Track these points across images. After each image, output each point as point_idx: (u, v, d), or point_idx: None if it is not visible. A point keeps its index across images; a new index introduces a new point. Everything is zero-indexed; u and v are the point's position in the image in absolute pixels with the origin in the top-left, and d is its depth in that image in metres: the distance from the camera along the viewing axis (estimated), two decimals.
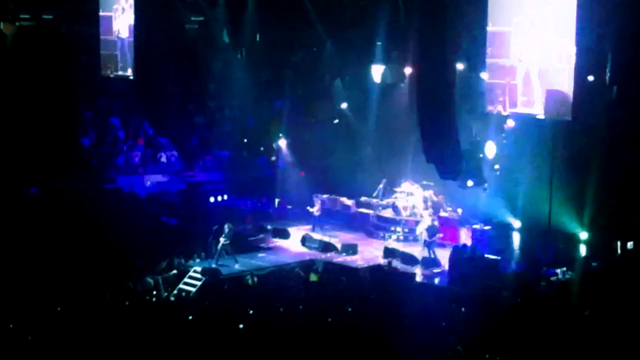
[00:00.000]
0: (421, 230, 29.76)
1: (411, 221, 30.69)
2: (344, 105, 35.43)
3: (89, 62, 38.11)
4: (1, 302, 21.81)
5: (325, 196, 33.72)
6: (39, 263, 25.69)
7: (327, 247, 29.89)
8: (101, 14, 36.62)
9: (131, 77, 34.76)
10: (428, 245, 28.55)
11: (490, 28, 26.99)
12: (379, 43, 32.63)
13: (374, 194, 32.50)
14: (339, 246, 29.90)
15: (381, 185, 32.37)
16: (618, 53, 26.30)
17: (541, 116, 26.13)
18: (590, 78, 26.59)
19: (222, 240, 27.84)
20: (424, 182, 31.46)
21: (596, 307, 22.63)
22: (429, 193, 31.26)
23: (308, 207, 32.67)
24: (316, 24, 34.03)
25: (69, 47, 38.42)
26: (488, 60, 26.77)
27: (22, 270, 25.00)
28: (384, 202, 32.00)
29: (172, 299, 25.41)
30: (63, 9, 38.55)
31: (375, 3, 31.70)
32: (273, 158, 38.07)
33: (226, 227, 27.95)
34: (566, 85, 25.00)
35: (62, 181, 33.23)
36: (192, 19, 36.67)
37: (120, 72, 35.61)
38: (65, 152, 35.34)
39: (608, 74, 26.52)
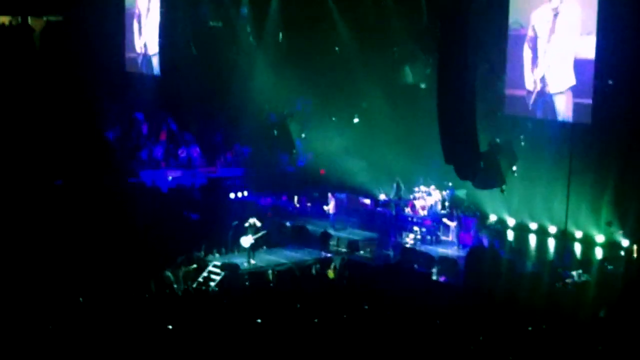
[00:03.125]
0: (453, 229, 29.95)
1: (429, 221, 30.86)
2: (365, 105, 35.68)
3: (115, 57, 38.57)
4: (22, 293, 22.18)
5: (343, 195, 33.97)
6: (62, 255, 26.06)
7: (344, 244, 30.14)
8: (127, 11, 37.18)
9: (157, 74, 35.28)
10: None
11: (511, 31, 27.28)
12: (400, 44, 32.90)
13: (390, 194, 32.74)
14: (356, 244, 30.15)
15: (394, 184, 32.57)
16: (638, 55, 26.37)
17: (560, 118, 26.37)
18: (610, 81, 26.72)
19: (250, 235, 28.07)
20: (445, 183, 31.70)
21: (612, 309, 22.79)
22: (446, 193, 31.44)
23: (324, 206, 32.93)
24: (339, 23, 34.28)
25: (95, 42, 38.83)
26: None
27: (45, 262, 25.36)
28: (400, 200, 32.16)
29: (192, 292, 25.70)
30: (89, 4, 38.99)
31: (398, 4, 31.91)
32: (294, 155, 38.31)
33: (251, 221, 28.18)
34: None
35: (87, 174, 33.61)
36: (217, 17, 36.96)
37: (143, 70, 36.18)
38: (90, 146, 35.70)
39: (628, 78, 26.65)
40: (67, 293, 22.23)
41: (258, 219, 28.45)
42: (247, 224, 28.20)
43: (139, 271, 25.62)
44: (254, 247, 28.29)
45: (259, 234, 28.14)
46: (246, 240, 28.08)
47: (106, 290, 23.13)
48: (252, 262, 27.88)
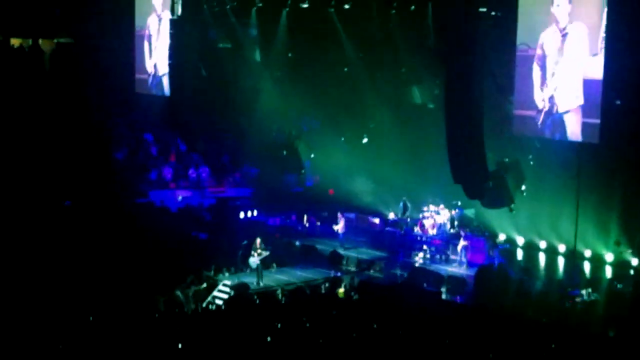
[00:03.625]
0: (460, 248, 30.00)
1: (437, 240, 30.90)
2: (373, 125, 35.82)
3: (124, 78, 38.78)
4: (32, 310, 22.27)
5: (352, 214, 34.06)
6: (72, 275, 26.14)
7: (354, 264, 30.21)
8: (137, 33, 37.44)
9: (166, 95, 35.48)
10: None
11: (519, 52, 27.43)
12: (408, 64, 33.05)
13: (398, 213, 32.82)
14: (365, 263, 30.21)
15: (401, 203, 32.67)
16: None
17: (569, 138, 26.46)
18: (618, 102, 26.82)
19: (256, 255, 28.17)
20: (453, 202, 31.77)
21: (621, 328, 22.78)
22: (455, 213, 31.51)
23: (333, 226, 33.02)
24: (347, 44, 34.48)
25: (104, 63, 39.07)
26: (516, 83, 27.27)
27: (55, 281, 25.44)
28: (409, 220, 32.24)
29: (201, 311, 25.77)
30: (99, 26, 39.26)
31: (405, 24, 32.08)
32: (302, 175, 38.43)
33: (257, 242, 28.31)
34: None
35: (96, 194, 33.73)
36: (226, 38, 37.18)
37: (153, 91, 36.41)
38: (99, 166, 35.85)
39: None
40: (77, 312, 22.30)
41: (262, 239, 28.54)
42: (253, 245, 28.33)
43: (148, 291, 25.68)
44: (262, 266, 28.36)
45: (263, 255, 28.22)
46: (253, 261, 28.21)
47: (116, 310, 23.20)
48: (261, 282, 27.92)
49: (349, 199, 35.11)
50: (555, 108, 26.99)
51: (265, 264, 28.71)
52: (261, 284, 27.87)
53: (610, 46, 25.45)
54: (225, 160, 39.61)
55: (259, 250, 28.13)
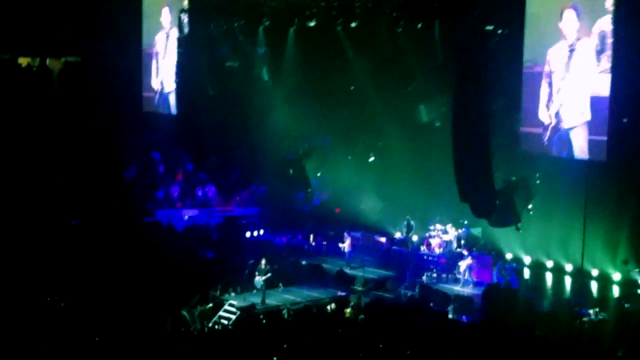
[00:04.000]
0: (463, 268, 29.92)
1: (444, 259, 30.80)
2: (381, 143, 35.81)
3: (132, 97, 38.87)
4: (40, 328, 22.26)
5: (359, 233, 34.01)
6: (79, 294, 26.13)
7: (360, 283, 30.12)
8: (145, 51, 37.55)
9: (173, 113, 35.53)
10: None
11: (526, 69, 27.41)
12: (416, 82, 33.04)
13: (402, 232, 32.77)
14: (372, 282, 30.13)
15: (405, 222, 32.60)
16: None
17: (576, 155, 26.39)
18: (625, 119, 26.74)
19: (258, 276, 28.13)
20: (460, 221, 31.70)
21: (630, 348, 22.62)
22: (462, 231, 31.43)
23: (339, 244, 32.95)
24: (354, 62, 34.50)
25: (112, 82, 39.18)
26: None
27: (62, 300, 25.43)
28: (416, 238, 32.17)
29: (207, 331, 25.71)
30: (107, 45, 39.41)
31: (412, 42, 32.09)
32: (309, 194, 38.37)
33: (262, 262, 28.27)
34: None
35: (103, 213, 33.75)
36: (234, 57, 37.24)
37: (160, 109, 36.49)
38: (106, 185, 35.88)
39: None
40: (84, 331, 22.28)
41: (268, 258, 28.49)
42: (258, 265, 28.30)
43: (155, 310, 25.65)
44: (267, 286, 28.31)
45: (266, 276, 28.16)
46: (257, 281, 28.17)
47: (123, 329, 23.18)
48: (265, 302, 27.84)
49: (355, 218, 35.06)
50: (561, 124, 26.94)
51: (271, 283, 28.65)
52: (265, 303, 27.77)
53: (618, 63, 25.42)
54: (232, 178, 39.61)
55: (265, 271, 28.08)
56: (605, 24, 25.46)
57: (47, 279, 26.99)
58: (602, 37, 25.64)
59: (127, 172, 38.32)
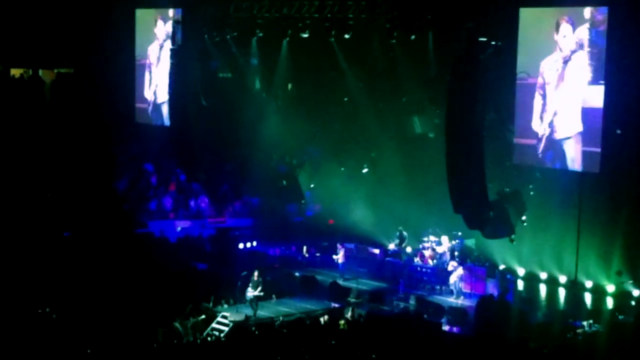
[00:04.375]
0: (454, 279, 29.88)
1: (438, 270, 30.74)
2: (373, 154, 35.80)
3: (125, 107, 38.82)
4: (30, 340, 22.15)
5: (352, 244, 33.96)
6: (71, 305, 26.01)
7: (354, 295, 30.03)
8: (138, 62, 37.54)
9: (166, 124, 35.50)
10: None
11: (519, 80, 27.46)
12: (409, 93, 33.07)
13: (395, 244, 32.75)
14: (365, 294, 30.05)
15: (397, 233, 32.56)
16: None
17: (569, 166, 26.42)
18: (618, 131, 26.80)
19: (251, 289, 28.02)
20: (453, 232, 31.66)
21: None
22: (456, 243, 31.40)
23: (333, 256, 32.88)
24: (348, 73, 34.52)
25: (105, 93, 39.13)
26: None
27: (53, 312, 25.31)
28: (409, 250, 32.12)
29: (199, 343, 25.61)
30: (100, 56, 39.38)
31: (406, 54, 32.12)
32: (303, 205, 38.34)
33: (255, 274, 28.16)
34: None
35: (95, 225, 33.63)
36: (226, 68, 37.26)
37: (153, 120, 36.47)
38: (98, 197, 35.78)
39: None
40: (76, 344, 22.18)
41: (261, 270, 28.39)
42: (251, 277, 28.20)
43: (147, 322, 25.55)
44: (259, 298, 28.21)
45: (259, 288, 27.96)
46: (249, 294, 28.05)
47: (115, 341, 23.08)
48: (257, 314, 27.70)
49: (349, 229, 35.00)
50: (554, 135, 26.98)
51: (264, 295, 28.51)
52: (255, 315, 27.65)
53: (611, 75, 25.50)
54: (225, 190, 39.54)
55: (257, 283, 27.96)
56: (600, 35, 25.53)
57: (39, 291, 26.86)
58: (596, 49, 25.71)
59: (119, 184, 38.23)
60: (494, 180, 27.97)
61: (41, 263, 29.27)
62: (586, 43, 25.98)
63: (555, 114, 26.92)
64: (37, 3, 38.87)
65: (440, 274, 30.59)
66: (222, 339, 25.79)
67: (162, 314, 26.57)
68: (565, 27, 26.47)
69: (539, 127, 27.40)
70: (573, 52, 26.39)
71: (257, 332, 25.92)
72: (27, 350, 20.87)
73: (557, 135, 26.93)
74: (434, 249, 31.25)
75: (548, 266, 30.10)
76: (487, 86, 27.19)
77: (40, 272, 28.44)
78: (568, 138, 26.70)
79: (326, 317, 27.51)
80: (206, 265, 32.86)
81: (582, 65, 26.17)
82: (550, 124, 27.09)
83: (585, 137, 26.19)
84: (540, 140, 27.39)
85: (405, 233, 32.57)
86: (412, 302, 28.95)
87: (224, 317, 27.41)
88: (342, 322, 26.85)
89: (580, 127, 26.24)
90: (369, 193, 35.70)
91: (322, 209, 38.06)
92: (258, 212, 38.69)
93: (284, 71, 36.09)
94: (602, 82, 25.63)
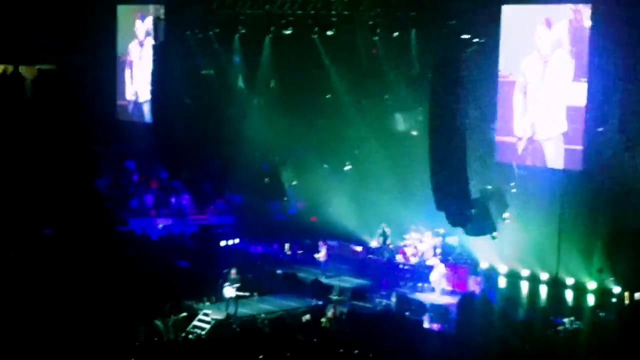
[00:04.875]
0: (436, 277, 29.90)
1: (420, 268, 30.76)
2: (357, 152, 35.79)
3: (106, 105, 38.69)
4: (13, 339, 22.05)
5: (335, 242, 33.94)
6: (51, 303, 25.90)
7: (336, 292, 30.01)
8: (119, 59, 37.40)
9: (147, 122, 35.38)
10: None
11: (501, 79, 27.48)
12: (392, 91, 33.07)
13: (378, 241, 32.75)
14: (347, 292, 30.03)
15: (380, 230, 32.56)
16: (628, 103, 26.61)
17: (550, 165, 26.47)
18: (600, 129, 26.87)
19: (229, 286, 27.93)
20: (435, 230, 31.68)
21: (604, 357, 22.68)
22: (438, 240, 31.41)
23: (315, 254, 32.85)
24: (331, 71, 34.47)
25: (86, 90, 38.97)
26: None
27: (34, 311, 25.20)
28: (391, 247, 32.12)
29: (180, 341, 25.54)
30: (82, 53, 39.22)
31: (389, 51, 32.12)
32: (285, 203, 38.28)
33: (232, 272, 28.08)
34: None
35: (76, 222, 33.50)
36: (209, 65, 37.16)
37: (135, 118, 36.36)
38: (80, 194, 35.64)
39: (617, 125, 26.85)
40: (56, 342, 22.10)
41: (243, 268, 28.28)
42: (229, 275, 28.12)
43: (129, 320, 25.46)
44: (240, 296, 28.15)
45: (237, 285, 27.83)
46: (228, 292, 27.90)
47: (97, 339, 23.02)
48: (237, 312, 27.59)
49: (331, 227, 34.96)
50: (536, 135, 27.00)
51: (245, 293, 28.43)
52: (237, 314, 27.56)
53: (594, 72, 25.55)
54: (207, 187, 39.45)
55: (234, 281, 27.90)
56: (581, 34, 25.58)
57: (20, 289, 26.73)
58: (577, 47, 25.77)
59: (100, 181, 38.07)
60: (476, 177, 27.99)
61: (22, 260, 29.15)
62: (568, 41, 26.02)
63: (537, 114, 26.94)
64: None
65: (422, 272, 30.57)
66: (204, 337, 25.74)
67: (143, 311, 26.49)
68: (543, 25, 26.49)
69: (521, 126, 27.42)
70: (553, 50, 26.41)
71: (238, 330, 25.89)
72: (8, 349, 20.80)
73: (540, 135, 26.96)
74: (416, 247, 31.22)
75: (530, 263, 30.12)
76: (470, 84, 27.22)
77: (21, 270, 28.32)
78: (550, 138, 26.71)
79: (308, 315, 27.51)
80: (188, 262, 32.77)
81: (563, 64, 26.20)
82: (532, 125, 27.10)
83: (568, 135, 26.23)
84: (521, 139, 27.40)
85: (388, 230, 32.55)
86: (394, 299, 28.93)
87: (206, 314, 27.31)
88: (324, 320, 26.86)
89: (562, 128, 26.28)
90: (351, 190, 35.67)
91: (304, 206, 38.00)
92: (240, 210, 38.61)
93: (267, 68, 36.00)
94: (584, 79, 25.66)
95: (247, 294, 28.00)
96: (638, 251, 27.68)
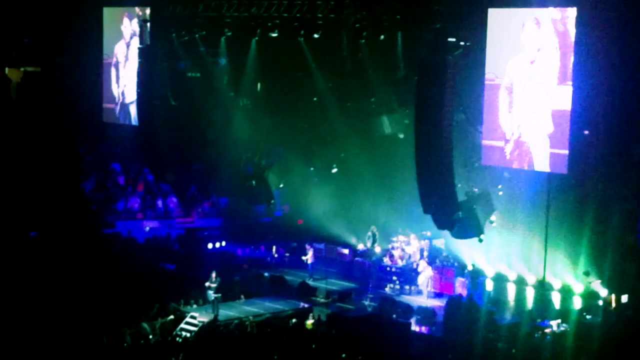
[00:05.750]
0: (423, 280, 29.95)
1: (407, 270, 30.78)
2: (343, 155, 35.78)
3: (92, 107, 38.54)
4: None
5: (322, 245, 33.94)
6: (37, 306, 25.79)
7: (323, 295, 30.03)
8: (105, 61, 37.24)
9: (134, 124, 35.26)
10: None
11: (487, 81, 27.52)
12: (378, 94, 33.07)
13: (367, 244, 32.77)
14: (334, 294, 30.04)
15: (370, 232, 32.57)
16: (613, 106, 26.72)
17: (536, 168, 26.53)
18: (586, 132, 26.97)
19: (210, 289, 27.95)
20: (422, 232, 31.72)
21: (591, 359, 22.77)
22: (425, 243, 31.46)
23: (302, 256, 32.85)
24: (316, 74, 34.46)
25: (72, 92, 38.83)
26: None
27: (19, 314, 25.09)
28: (379, 250, 32.14)
29: (167, 343, 25.48)
30: (67, 55, 39.06)
31: (375, 54, 32.12)
32: (271, 206, 38.25)
33: (213, 276, 28.10)
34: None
35: (62, 225, 33.37)
36: (195, 67, 37.09)
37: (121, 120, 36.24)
38: (65, 197, 35.50)
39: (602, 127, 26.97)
40: (42, 345, 22.03)
41: (217, 272, 28.26)
42: (209, 278, 28.13)
43: (115, 323, 25.41)
44: (224, 299, 28.14)
45: (215, 286, 27.87)
46: (209, 294, 27.97)
47: (83, 341, 22.96)
48: (218, 315, 27.56)
49: (318, 230, 34.98)
50: (522, 138, 27.04)
51: (226, 295, 28.45)
52: (218, 316, 27.52)
53: (579, 75, 25.61)
54: (194, 190, 39.39)
55: (213, 284, 27.91)
56: (566, 36, 25.65)
57: (4, 292, 26.63)
58: (563, 50, 25.83)
59: (86, 183, 37.93)
60: (462, 180, 28.02)
61: (6, 263, 29.01)
62: (553, 44, 26.07)
63: (523, 116, 26.98)
64: (3, 0, 38.48)
65: (409, 274, 30.62)
66: (190, 340, 25.69)
67: (130, 314, 26.43)
68: (530, 28, 26.54)
69: (507, 128, 27.47)
70: (538, 53, 26.45)
71: (225, 333, 25.86)
72: None
73: (525, 138, 26.99)
74: (403, 249, 31.26)
75: (516, 266, 30.21)
76: (456, 87, 27.22)
77: (6, 272, 28.19)
78: (536, 140, 26.75)
79: (296, 317, 27.50)
80: (174, 265, 32.72)
81: (549, 67, 26.24)
82: (519, 127, 27.14)
83: (553, 138, 26.27)
84: (508, 142, 27.46)
85: (377, 233, 32.58)
86: (381, 302, 28.94)
87: (193, 317, 27.28)
88: (308, 322, 26.86)
89: (548, 130, 26.32)
90: (338, 193, 35.69)
91: (290, 209, 37.99)
92: (227, 213, 38.60)
93: (253, 71, 35.95)
94: (570, 83, 25.73)
95: (218, 295, 27.95)
96: (624, 254, 27.83)
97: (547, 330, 25.19)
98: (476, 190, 28.44)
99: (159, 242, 35.60)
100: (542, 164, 26.74)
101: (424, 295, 29.76)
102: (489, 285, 30.18)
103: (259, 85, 37.23)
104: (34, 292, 26.80)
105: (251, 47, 35.03)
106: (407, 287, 30.55)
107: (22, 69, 40.85)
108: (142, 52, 33.94)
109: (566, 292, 28.67)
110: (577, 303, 28.11)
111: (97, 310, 25.95)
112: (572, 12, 25.61)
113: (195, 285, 29.18)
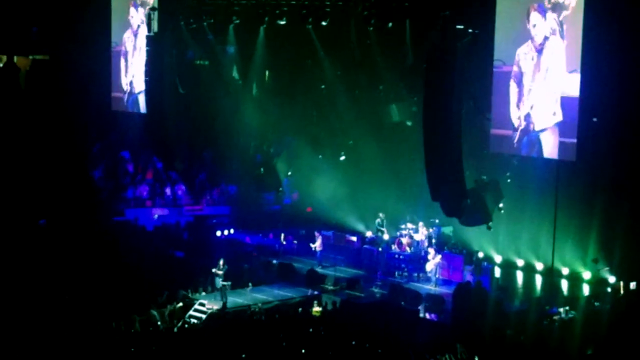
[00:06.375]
0: (431, 267, 29.98)
1: (416, 258, 30.81)
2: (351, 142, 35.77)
3: (101, 95, 38.58)
4: (9, 330, 22.06)
5: (330, 232, 33.97)
6: (46, 294, 25.91)
7: (331, 282, 30.07)
8: (113, 49, 37.25)
9: (143, 112, 35.31)
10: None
11: (495, 69, 27.46)
12: (386, 82, 33.04)
13: (375, 231, 32.78)
14: (343, 281, 30.08)
15: (378, 220, 32.58)
16: (622, 93, 26.64)
17: (545, 155, 26.48)
18: (595, 119, 26.90)
19: (218, 277, 28.04)
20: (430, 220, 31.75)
21: (599, 346, 22.76)
22: (434, 230, 31.47)
23: (310, 244, 32.90)
24: (325, 62, 34.42)
25: (81, 80, 38.86)
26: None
27: (28, 301, 25.21)
28: (387, 237, 32.15)
29: (176, 330, 25.59)
30: (76, 43, 39.06)
31: (383, 42, 32.08)
32: (280, 193, 38.27)
33: (220, 263, 28.17)
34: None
35: (72, 213, 33.48)
36: (203, 56, 37.08)
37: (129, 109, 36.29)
38: (74, 185, 35.60)
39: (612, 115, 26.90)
40: (52, 332, 22.12)
41: (225, 260, 28.33)
42: (218, 265, 28.20)
43: (124, 310, 25.52)
44: (233, 286, 28.21)
45: (221, 280, 27.95)
46: (218, 281, 28.07)
47: (92, 329, 23.05)
48: (227, 302, 27.63)
49: (326, 217, 35.01)
50: (531, 126, 26.98)
51: (235, 282, 28.54)
52: (227, 304, 27.60)
53: (588, 63, 25.51)
54: (202, 178, 39.45)
55: (220, 271, 27.99)
56: (574, 23, 25.55)
57: (14, 280, 26.75)
58: (572, 37, 25.74)
59: (96, 172, 38.02)
60: (471, 168, 27.96)
61: (17, 251, 29.13)
62: (561, 31, 25.97)
63: (532, 104, 26.91)
64: None
65: (417, 262, 30.65)
66: (200, 327, 25.81)
67: (139, 301, 26.54)
68: (536, 15, 26.43)
69: (516, 116, 27.41)
70: (546, 40, 26.37)
71: (234, 320, 25.96)
72: (5, 338, 20.82)
73: (535, 126, 26.91)
74: (411, 237, 31.27)
75: (525, 254, 30.25)
76: (464, 75, 27.15)
77: (16, 260, 28.31)
78: (545, 129, 26.69)
79: (304, 304, 27.59)
80: (183, 253, 32.81)
81: (557, 54, 26.15)
82: (527, 116, 27.05)
83: (562, 126, 26.19)
84: (516, 130, 27.40)
85: (385, 221, 32.59)
86: (389, 289, 28.98)
87: (202, 304, 27.38)
88: (316, 309, 26.94)
89: (557, 118, 26.23)
90: (346, 181, 35.69)
91: (299, 197, 38.02)
92: (235, 200, 38.65)
93: (261, 58, 35.91)
94: (578, 70, 25.64)
95: (228, 283, 28.02)
96: (633, 241, 27.80)
97: (556, 318, 25.23)
98: (485, 177, 28.40)
99: (167, 230, 35.69)
100: (551, 152, 26.68)
101: (432, 282, 29.78)
102: (497, 273, 30.21)
103: (267, 74, 37.21)
104: (43, 280, 26.91)
105: (259, 35, 35.00)
106: (415, 274, 30.59)
107: (30, 57, 40.89)
108: (150, 41, 33.91)
109: (575, 279, 28.69)
110: (585, 290, 28.13)
111: (107, 298, 26.07)
112: None
113: (204, 272, 29.27)
